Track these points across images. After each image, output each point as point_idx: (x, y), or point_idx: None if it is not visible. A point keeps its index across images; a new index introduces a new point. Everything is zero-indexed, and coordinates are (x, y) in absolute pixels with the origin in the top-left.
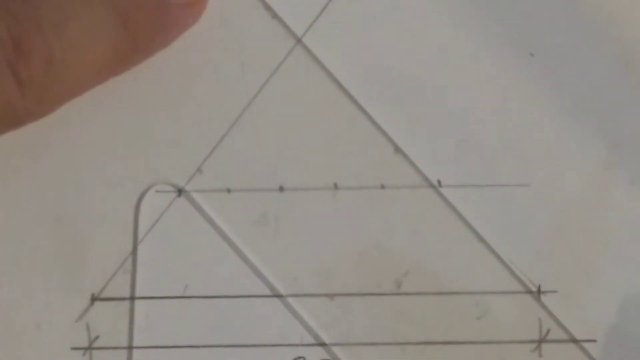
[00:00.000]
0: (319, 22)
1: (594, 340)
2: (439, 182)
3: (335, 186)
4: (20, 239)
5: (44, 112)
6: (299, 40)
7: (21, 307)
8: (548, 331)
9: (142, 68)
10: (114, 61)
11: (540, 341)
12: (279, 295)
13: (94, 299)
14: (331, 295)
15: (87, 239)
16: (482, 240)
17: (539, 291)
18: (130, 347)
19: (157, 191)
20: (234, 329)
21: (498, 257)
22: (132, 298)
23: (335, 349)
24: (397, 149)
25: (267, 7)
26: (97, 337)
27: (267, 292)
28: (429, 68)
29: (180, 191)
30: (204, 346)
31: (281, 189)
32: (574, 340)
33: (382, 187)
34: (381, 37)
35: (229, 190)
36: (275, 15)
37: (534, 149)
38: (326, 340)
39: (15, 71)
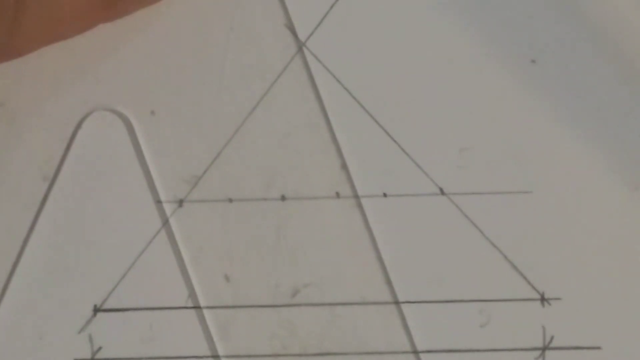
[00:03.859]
0: (320, 31)
1: (599, 348)
2: (441, 189)
3: (338, 195)
4: (22, 251)
5: (17, 50)
6: (299, 50)
7: (23, 318)
8: (552, 339)
9: (142, 74)
10: (98, 5)
11: (544, 349)
12: (282, 305)
13: (96, 310)
14: (332, 305)
15: (89, 249)
16: (485, 247)
17: (543, 298)
18: (133, 359)
19: (158, 201)
20: (237, 339)
21: (501, 264)
22: (135, 309)
23: (338, 358)
24: (400, 157)
25: (266, 17)
26: (99, 349)
27: (270, 302)
28: (431, 76)
29: (181, 201)
30: (207, 357)
31: (283, 198)
32: (578, 348)
33: (385, 195)
34: (383, 45)
35: (230, 200)
36: (281, 24)
37: (537, 156)
38: (331, 349)
39: None
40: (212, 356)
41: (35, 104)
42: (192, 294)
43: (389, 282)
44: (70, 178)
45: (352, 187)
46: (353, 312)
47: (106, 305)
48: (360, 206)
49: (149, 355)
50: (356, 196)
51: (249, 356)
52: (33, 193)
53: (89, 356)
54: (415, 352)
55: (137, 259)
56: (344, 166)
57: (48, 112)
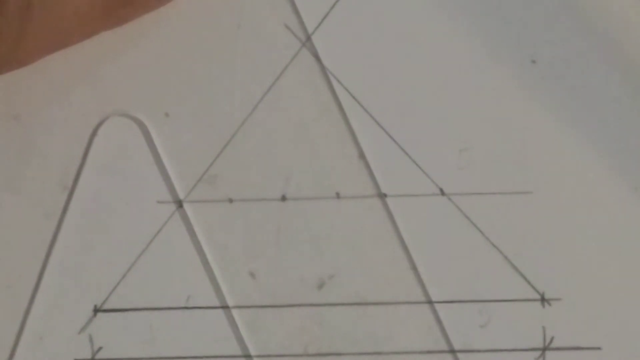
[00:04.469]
0: (320, 31)
1: (599, 348)
2: (442, 190)
3: (338, 195)
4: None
5: (22, 60)
6: (300, 49)
7: (23, 319)
8: (552, 339)
9: (153, 76)
10: (102, 12)
11: (544, 349)
12: (282, 306)
13: (96, 310)
14: (338, 305)
15: (89, 249)
16: (485, 248)
17: (543, 299)
18: (133, 359)
19: (158, 202)
20: (237, 340)
21: (502, 265)
22: (135, 309)
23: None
24: (400, 158)
25: (274, 13)
26: (100, 349)
27: (270, 302)
28: (431, 76)
29: (181, 202)
30: (207, 357)
31: (283, 198)
32: (578, 348)
33: (385, 195)
34: (383, 45)
35: (230, 200)
36: (289, 20)
37: (537, 156)
38: (333, 349)
39: None
40: (214, 356)
41: (49, 115)
42: (217, 290)
43: (390, 282)
44: (90, 185)
45: (359, 185)
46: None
47: (106, 306)
48: (360, 207)
49: (149, 356)
50: (357, 197)
51: (279, 355)
52: (53, 203)
53: (89, 356)
54: (416, 352)
55: (138, 258)
56: (345, 166)
57: (63, 121)
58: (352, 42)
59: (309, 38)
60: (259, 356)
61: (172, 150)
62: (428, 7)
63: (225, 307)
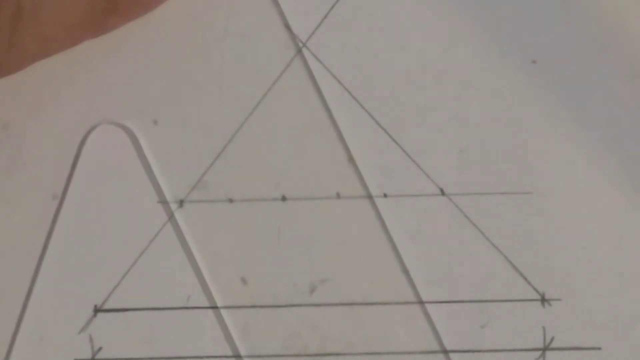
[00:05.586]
0: (320, 31)
1: (599, 348)
2: (442, 190)
3: (338, 195)
4: (23, 252)
5: (12, 67)
6: (299, 50)
7: (24, 318)
8: (552, 339)
9: (141, 84)
10: (88, 20)
11: (545, 349)
12: (283, 306)
13: (96, 310)
14: (341, 305)
15: (89, 249)
16: (485, 248)
17: (543, 299)
18: (133, 359)
19: (158, 202)
20: (237, 340)
21: (502, 265)
22: (135, 309)
23: (345, 359)
24: (400, 157)
25: (269, 18)
26: (100, 349)
27: (271, 302)
28: (430, 77)
29: (181, 202)
30: (207, 357)
31: (283, 198)
32: (578, 349)
33: (385, 195)
34: (382, 46)
35: (230, 201)
36: (277, 25)
37: (537, 157)
38: (334, 349)
39: None
40: (215, 356)
41: (38, 124)
42: (206, 292)
43: (390, 282)
44: (79, 194)
45: (353, 187)
46: (365, 311)
47: (106, 306)
48: (361, 207)
49: (149, 356)
50: (357, 197)
51: (268, 356)
52: (43, 212)
53: (89, 356)
54: (415, 352)
55: (138, 259)
56: (351, 159)
57: (51, 130)
58: (351, 43)
59: (304, 44)
60: (258, 357)
61: (161, 158)
62: (428, 7)
63: (225, 307)
